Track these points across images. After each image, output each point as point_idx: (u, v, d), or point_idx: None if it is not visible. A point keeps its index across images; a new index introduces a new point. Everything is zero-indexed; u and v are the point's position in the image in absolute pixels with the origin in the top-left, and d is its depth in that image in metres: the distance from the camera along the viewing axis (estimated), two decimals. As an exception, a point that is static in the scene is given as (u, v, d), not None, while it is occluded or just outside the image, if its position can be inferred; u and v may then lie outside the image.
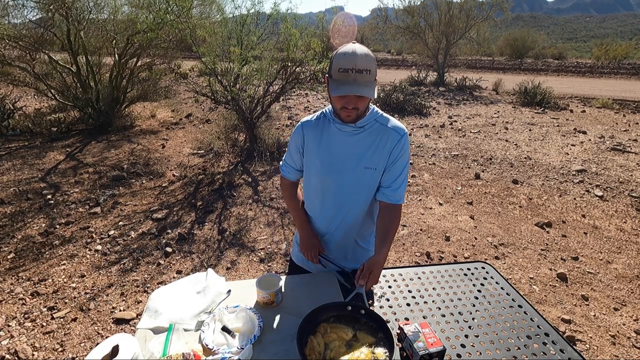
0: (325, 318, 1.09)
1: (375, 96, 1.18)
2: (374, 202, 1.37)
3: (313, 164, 1.35)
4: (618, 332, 2.34)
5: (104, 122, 6.17)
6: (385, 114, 1.31)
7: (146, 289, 2.61)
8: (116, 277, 2.73)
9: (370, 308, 1.27)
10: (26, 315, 2.34)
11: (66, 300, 2.48)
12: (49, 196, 3.89)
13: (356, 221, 1.37)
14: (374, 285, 1.27)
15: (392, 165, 1.28)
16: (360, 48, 1.13)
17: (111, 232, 3.28)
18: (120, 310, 2.40)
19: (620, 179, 4.70)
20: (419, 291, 1.39)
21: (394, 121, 1.30)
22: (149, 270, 2.82)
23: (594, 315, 2.47)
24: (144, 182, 4.36)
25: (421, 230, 3.50)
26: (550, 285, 2.77)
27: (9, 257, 2.92)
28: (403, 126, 1.30)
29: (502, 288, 1.43)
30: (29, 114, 6.70)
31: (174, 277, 2.75)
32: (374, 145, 1.27)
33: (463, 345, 1.14)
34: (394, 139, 1.26)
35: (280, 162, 1.49)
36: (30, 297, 2.50)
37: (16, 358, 2.04)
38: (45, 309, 2.39)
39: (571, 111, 8.49)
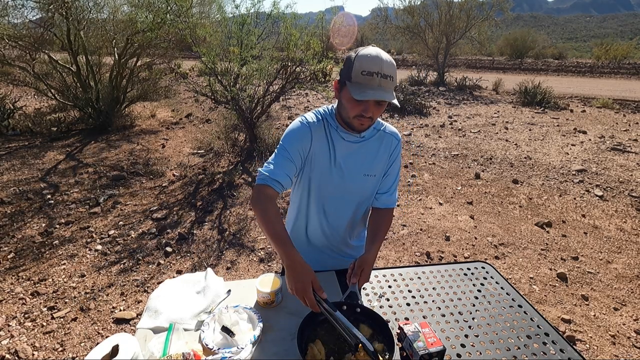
0: (323, 325, 1.07)
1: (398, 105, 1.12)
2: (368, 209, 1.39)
3: (318, 174, 1.24)
4: (618, 332, 2.33)
5: (104, 122, 6.17)
6: (378, 118, 1.26)
7: (146, 289, 2.61)
8: (116, 277, 2.73)
9: (371, 307, 1.27)
10: (26, 315, 2.34)
11: (66, 300, 2.48)
12: (49, 196, 3.89)
13: (351, 228, 1.38)
14: (365, 284, 1.28)
15: (389, 171, 1.31)
16: (383, 52, 1.07)
17: (111, 232, 3.28)
18: (120, 310, 2.40)
19: (620, 179, 4.69)
20: (419, 291, 1.39)
21: (389, 126, 1.32)
22: (149, 270, 2.82)
23: (594, 315, 2.47)
24: (143, 182, 4.36)
25: (421, 230, 3.50)
26: (550, 285, 2.77)
27: (9, 256, 2.92)
28: (397, 130, 1.32)
29: (502, 288, 1.43)
30: (29, 114, 6.70)
31: (174, 277, 2.74)
32: (373, 152, 1.26)
33: (463, 345, 1.13)
34: (392, 145, 1.29)
35: (261, 169, 1.18)
36: (30, 296, 2.50)
37: (16, 358, 2.04)
38: (45, 309, 2.39)
39: (571, 111, 8.49)
